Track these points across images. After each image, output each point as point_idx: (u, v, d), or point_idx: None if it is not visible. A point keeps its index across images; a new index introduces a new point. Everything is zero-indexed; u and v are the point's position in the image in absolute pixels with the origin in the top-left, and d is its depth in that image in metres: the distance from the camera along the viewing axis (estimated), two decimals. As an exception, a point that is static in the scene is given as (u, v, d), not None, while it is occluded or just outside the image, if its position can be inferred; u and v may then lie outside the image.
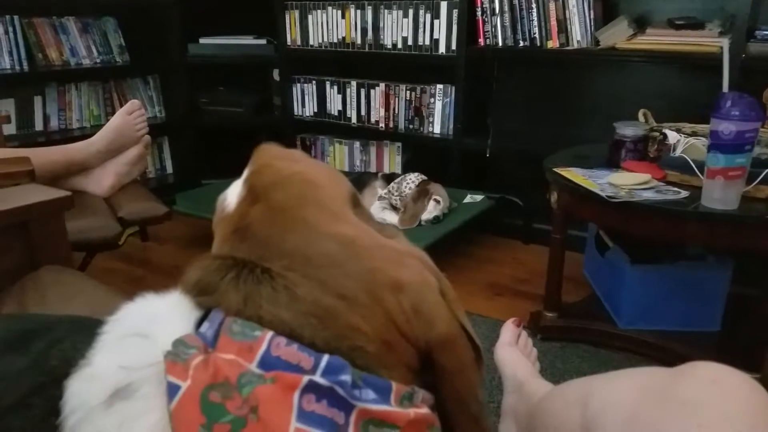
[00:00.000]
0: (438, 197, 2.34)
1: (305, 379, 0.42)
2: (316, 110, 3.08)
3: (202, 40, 3.00)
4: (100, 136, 1.75)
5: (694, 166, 1.51)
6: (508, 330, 1.24)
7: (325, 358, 0.44)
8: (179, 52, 2.94)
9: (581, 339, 1.80)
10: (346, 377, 0.43)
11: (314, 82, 3.05)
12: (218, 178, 3.00)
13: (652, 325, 1.73)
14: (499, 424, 1.02)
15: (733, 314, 1.74)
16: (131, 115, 1.80)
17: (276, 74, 3.18)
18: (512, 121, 2.65)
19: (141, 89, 3.06)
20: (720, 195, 1.41)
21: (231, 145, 3.10)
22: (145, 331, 0.48)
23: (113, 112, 2.84)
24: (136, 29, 2.97)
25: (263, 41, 3.07)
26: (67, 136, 2.68)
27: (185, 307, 0.51)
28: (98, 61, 2.86)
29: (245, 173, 0.61)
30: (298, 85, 3.10)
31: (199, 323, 0.49)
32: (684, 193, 1.50)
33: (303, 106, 3.12)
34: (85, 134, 2.44)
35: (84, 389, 0.45)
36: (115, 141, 1.76)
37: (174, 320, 0.49)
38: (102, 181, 1.75)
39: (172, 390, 0.42)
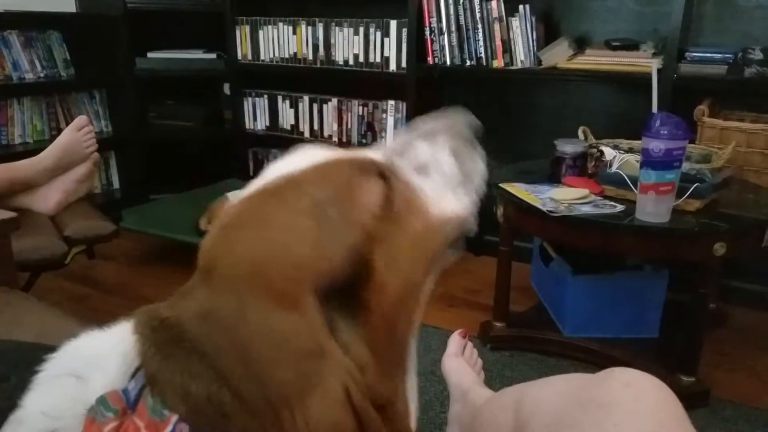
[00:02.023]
0: (390, 211, 2.41)
1: None
2: (268, 124, 3.11)
3: (150, 54, 2.99)
4: (48, 153, 1.73)
5: (628, 181, 1.62)
6: (454, 341, 1.30)
7: None
8: (127, 66, 2.93)
9: (529, 347, 1.88)
10: None
11: (266, 96, 3.08)
12: (167, 192, 2.99)
13: (595, 332, 1.83)
14: (445, 432, 1.07)
15: (670, 321, 1.86)
16: (80, 132, 1.79)
17: (227, 88, 3.20)
18: (462, 136, 2.74)
19: (87, 104, 3.03)
20: (652, 209, 1.52)
21: (180, 159, 3.11)
22: (81, 372, 0.49)
23: (58, 128, 2.81)
24: (82, 43, 2.94)
25: (213, 55, 3.08)
26: (9, 153, 2.63)
27: (125, 349, 0.50)
28: (42, 75, 2.82)
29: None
30: (250, 99, 3.12)
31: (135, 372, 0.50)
32: (620, 207, 1.61)
33: (255, 119, 3.14)
34: (28, 150, 2.41)
35: None
36: (64, 158, 1.75)
37: (110, 365, 0.50)
38: (48, 199, 1.73)
39: None
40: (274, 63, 2.96)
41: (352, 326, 0.46)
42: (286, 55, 2.92)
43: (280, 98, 3.04)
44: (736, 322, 2.10)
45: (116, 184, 3.18)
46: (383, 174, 0.51)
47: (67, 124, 1.86)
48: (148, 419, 0.45)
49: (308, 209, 0.46)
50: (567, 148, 1.83)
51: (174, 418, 0.45)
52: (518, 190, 1.76)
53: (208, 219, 2.48)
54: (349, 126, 2.87)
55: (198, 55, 3.07)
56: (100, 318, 0.55)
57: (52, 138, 1.78)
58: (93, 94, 3.05)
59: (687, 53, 2.09)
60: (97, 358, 0.51)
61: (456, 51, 2.48)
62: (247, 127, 3.17)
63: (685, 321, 1.71)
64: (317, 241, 0.45)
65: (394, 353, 0.50)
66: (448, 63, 2.51)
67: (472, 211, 0.57)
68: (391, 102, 2.72)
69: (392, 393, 0.48)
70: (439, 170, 0.55)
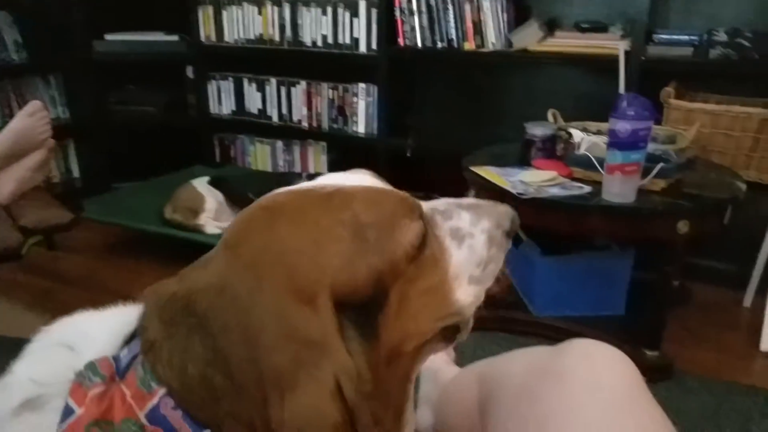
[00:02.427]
0: (362, 197, 2.43)
1: None
2: (234, 108, 3.09)
3: (108, 36, 2.94)
4: (0, 140, 1.70)
5: (596, 162, 1.68)
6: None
7: None
8: (84, 49, 2.88)
9: (499, 327, 1.95)
10: None
11: (231, 79, 3.06)
12: (130, 180, 2.96)
13: (563, 311, 1.91)
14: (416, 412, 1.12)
15: (636, 298, 1.94)
16: (33, 117, 1.75)
17: (190, 71, 3.17)
18: (434, 121, 2.79)
19: (41, 89, 2.97)
20: (618, 189, 1.58)
21: (143, 146, 3.08)
22: (73, 342, 0.51)
23: (10, 114, 2.74)
24: (34, 25, 2.87)
25: (175, 37, 3.04)
26: (-40, 140, 2.56)
27: (120, 322, 0.53)
28: (-8, 58, 2.75)
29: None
30: (214, 82, 3.10)
31: (129, 340, 0.52)
32: (587, 189, 1.67)
33: (220, 104, 3.12)
34: (-20, 138, 2.36)
35: None
36: (16, 145, 1.71)
37: (103, 335, 0.52)
38: (1, 188, 1.70)
39: (66, 412, 0.46)
40: (239, 45, 2.95)
41: (360, 341, 0.48)
42: (252, 36, 2.90)
43: (246, 81, 3.02)
44: (699, 299, 2.20)
45: (76, 173, 3.13)
46: (425, 222, 0.54)
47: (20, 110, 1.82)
48: (135, 389, 0.47)
49: (349, 223, 0.49)
50: (536, 131, 1.88)
51: (162, 391, 0.46)
52: (489, 173, 1.81)
53: (174, 207, 2.48)
54: (319, 110, 2.87)
55: (159, 37, 3.03)
56: (64, 312, 0.56)
57: (4, 125, 1.74)
58: (48, 78, 2.98)
59: (654, 35, 2.16)
60: (92, 330, 0.52)
61: (427, 33, 2.51)
62: (211, 111, 3.15)
63: (650, 298, 1.79)
64: (347, 253, 0.48)
65: (390, 387, 0.52)
66: (420, 45, 2.54)
67: (471, 304, 0.58)
68: (362, 85, 2.74)
69: (384, 419, 0.50)
70: (470, 246, 0.57)
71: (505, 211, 0.60)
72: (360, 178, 0.56)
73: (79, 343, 0.51)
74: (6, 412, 0.47)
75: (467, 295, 0.57)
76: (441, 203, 0.60)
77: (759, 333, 1.92)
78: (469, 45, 2.44)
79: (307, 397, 0.44)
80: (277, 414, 0.44)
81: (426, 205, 0.58)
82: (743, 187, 1.71)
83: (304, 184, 0.54)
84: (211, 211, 2.44)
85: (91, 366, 0.48)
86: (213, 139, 3.20)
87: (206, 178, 2.57)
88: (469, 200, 0.61)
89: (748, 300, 2.18)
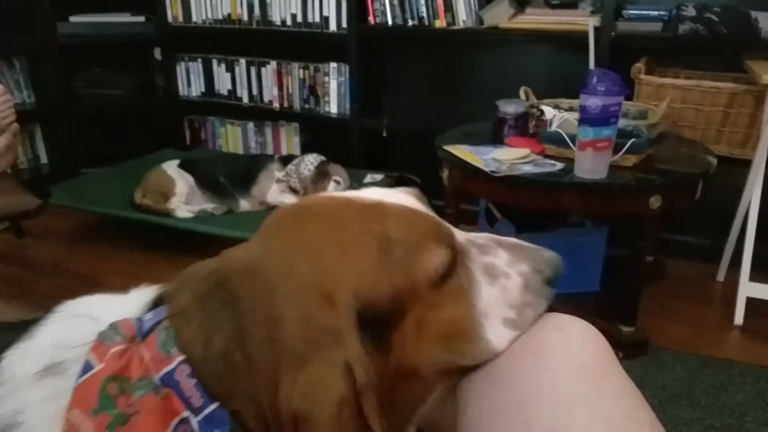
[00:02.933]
0: (338, 178, 2.43)
1: (185, 413, 0.47)
2: (203, 90, 3.05)
3: (72, 18, 2.87)
4: (-40, 126, 1.66)
5: (567, 139, 1.69)
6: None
7: (212, 407, 0.47)
8: (48, 32, 2.81)
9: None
10: None
11: (200, 60, 3.01)
12: (99, 166, 2.92)
13: (539, 289, 1.92)
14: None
15: (611, 274, 1.97)
16: (-5, 102, 1.72)
17: (158, 53, 3.11)
18: (407, 100, 2.77)
19: (5, 73, 2.89)
20: (590, 165, 1.59)
21: (112, 130, 3.03)
22: (96, 314, 0.53)
23: (-28, 98, 2.67)
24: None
25: (142, 18, 2.99)
26: None
27: (144, 297, 0.55)
28: (-50, 41, 2.68)
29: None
30: (183, 63, 3.05)
31: (152, 306, 0.54)
32: (559, 166, 1.68)
33: (189, 86, 3.08)
34: (-60, 124, 2.29)
35: (17, 362, 0.50)
36: (-22, 131, 1.68)
37: (127, 308, 0.54)
38: (-34, 175, 1.67)
39: (86, 368, 0.48)
40: (208, 25, 2.90)
41: (370, 349, 0.49)
42: (220, 16, 2.85)
43: (215, 62, 2.98)
44: (673, 274, 2.24)
45: (43, 159, 3.07)
46: (455, 251, 0.53)
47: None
48: (154, 351, 0.49)
49: (378, 235, 0.50)
50: (509, 108, 1.88)
51: (179, 358, 0.48)
52: (462, 152, 1.81)
53: (143, 192, 2.45)
54: (290, 90, 2.85)
55: (125, 18, 2.97)
56: (33, 299, 0.57)
57: (-33, 110, 1.70)
58: (12, 62, 2.91)
59: (624, 11, 2.17)
60: (116, 304, 0.55)
61: (397, 10, 2.48)
62: (181, 93, 3.10)
63: (624, 274, 1.82)
64: (370, 263, 0.49)
65: (397, 404, 0.53)
66: (390, 22, 2.52)
67: (502, 346, 0.54)
68: (334, 64, 2.71)
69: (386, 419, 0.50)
70: (503, 287, 0.54)
71: (548, 257, 0.57)
72: (402, 197, 0.56)
73: (102, 313, 0.53)
74: (29, 375, 0.48)
75: (501, 338, 0.54)
76: (481, 237, 0.57)
77: (732, 306, 1.96)
78: (440, 22, 2.43)
79: (317, 374, 0.46)
80: (285, 390, 0.45)
81: (463, 236, 0.56)
82: (714, 161, 1.73)
83: (348, 193, 0.55)
84: (182, 194, 2.42)
85: (113, 326, 0.51)
86: (183, 122, 3.16)
87: (176, 162, 2.54)
88: (513, 240, 0.57)
89: (721, 274, 2.23)
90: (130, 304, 0.55)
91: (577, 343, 0.63)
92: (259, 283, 0.48)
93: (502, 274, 0.54)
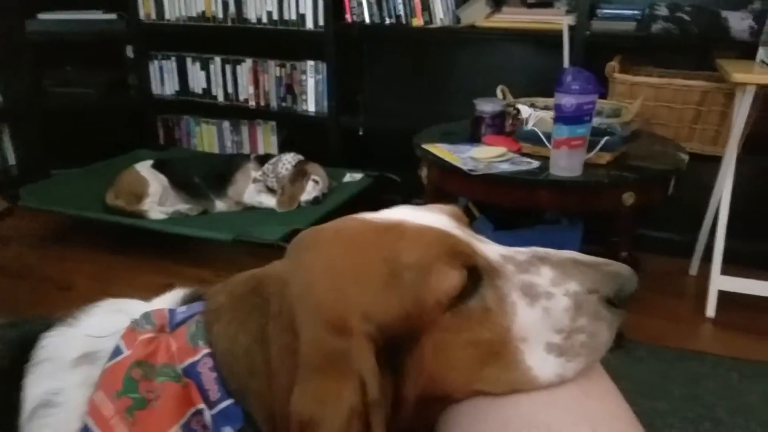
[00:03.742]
0: (317, 177, 2.45)
1: (201, 405, 0.49)
2: (177, 89, 3.05)
3: (41, 15, 2.85)
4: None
5: (543, 137, 1.74)
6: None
7: (227, 402, 0.50)
8: (16, 29, 2.78)
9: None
10: (228, 430, 0.49)
11: (173, 58, 3.01)
12: (69, 166, 2.89)
13: (517, 286, 1.97)
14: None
15: (586, 271, 2.02)
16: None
17: (130, 51, 3.10)
18: (385, 98, 2.81)
19: (-30, 71, 2.86)
20: (565, 163, 1.64)
21: (82, 130, 3.01)
22: (133, 312, 0.56)
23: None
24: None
25: (113, 15, 2.97)
26: None
27: (178, 297, 0.59)
28: None
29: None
30: (156, 62, 3.04)
31: (186, 302, 0.57)
32: (536, 164, 1.73)
33: (162, 84, 3.07)
34: None
35: (59, 344, 0.53)
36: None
37: (160, 304, 0.58)
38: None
39: (115, 352, 0.51)
40: (181, 22, 2.90)
41: (389, 373, 0.50)
42: (194, 14, 2.85)
43: (189, 60, 2.98)
44: (647, 269, 2.30)
45: (11, 160, 3.03)
46: (477, 271, 0.51)
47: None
48: (183, 342, 0.52)
49: (391, 260, 0.50)
50: (486, 107, 1.93)
51: (205, 351, 0.51)
52: (441, 150, 1.85)
53: (116, 193, 2.44)
54: (266, 88, 2.86)
55: (96, 15, 2.95)
56: (3, 303, 0.58)
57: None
58: (-23, 60, 2.87)
59: (598, 10, 2.23)
60: (150, 303, 0.58)
61: (374, 8, 2.52)
62: (154, 92, 3.09)
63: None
64: (380, 289, 0.49)
65: (420, 425, 0.53)
66: (367, 21, 2.55)
67: (552, 377, 0.50)
68: (311, 62, 2.73)
69: None
70: (546, 309, 0.50)
71: (610, 273, 0.51)
72: (431, 217, 0.55)
73: (135, 310, 0.56)
74: (67, 360, 0.52)
75: (544, 365, 0.49)
76: (524, 252, 0.53)
77: (705, 300, 2.04)
78: (417, 21, 2.46)
79: (331, 384, 0.47)
80: (297, 396, 0.47)
81: (498, 252, 0.53)
82: (686, 158, 1.80)
83: (376, 214, 0.55)
84: (156, 195, 2.42)
85: (146, 315, 0.54)
86: (156, 121, 3.15)
87: (150, 162, 2.54)
88: (566, 254, 0.52)
89: (693, 268, 2.30)
90: (167, 301, 0.59)
91: None
92: (286, 295, 0.50)
93: (544, 294, 0.50)
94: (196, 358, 0.50)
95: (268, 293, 0.52)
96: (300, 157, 2.52)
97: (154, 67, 3.06)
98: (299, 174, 2.44)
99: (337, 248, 0.53)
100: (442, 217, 0.56)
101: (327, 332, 0.48)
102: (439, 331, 0.49)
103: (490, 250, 0.53)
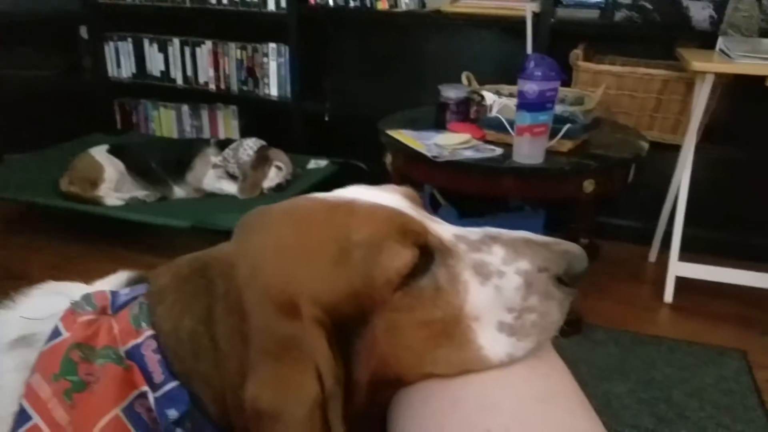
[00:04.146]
0: (279, 163, 2.41)
1: (144, 388, 0.48)
2: (134, 71, 2.97)
3: (-13, -8, 2.74)
4: None
5: (507, 124, 1.75)
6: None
7: (171, 385, 0.48)
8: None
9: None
10: (173, 413, 0.47)
11: (130, 39, 2.93)
12: (21, 151, 2.81)
13: (480, 272, 1.99)
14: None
15: (549, 258, 2.06)
16: None
17: (84, 31, 3.01)
18: (350, 83, 2.78)
19: None
20: (528, 151, 1.65)
21: (36, 113, 2.91)
22: (70, 292, 0.54)
23: None
24: None
25: (66, -6, 2.87)
26: None
27: (120, 279, 0.58)
28: None
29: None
30: (112, 43, 2.96)
31: (130, 285, 0.56)
32: (499, 151, 1.74)
33: (119, 66, 2.99)
34: None
35: None
36: None
37: (101, 286, 0.56)
38: None
39: (53, 334, 0.49)
40: (138, 2, 2.82)
41: (343, 358, 0.49)
42: (152, -6, 2.78)
43: (146, 42, 2.90)
44: (607, 256, 2.35)
45: (-41, 145, 2.93)
46: (429, 250, 0.50)
47: None
48: (126, 323, 0.50)
49: (340, 239, 0.49)
50: (451, 93, 1.93)
51: (148, 332, 0.50)
52: (405, 137, 1.84)
53: (70, 179, 2.38)
54: (227, 71, 2.81)
55: (47, -7, 2.85)
56: None
57: None
58: None
59: (563, -3, 2.24)
60: (91, 286, 0.56)
61: (338, -10, 2.49)
62: (110, 75, 3.02)
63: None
64: (329, 269, 0.48)
65: (370, 414, 0.52)
66: (331, 3, 2.51)
67: (503, 357, 0.49)
68: (273, 45, 2.69)
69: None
70: (497, 287, 0.49)
71: (561, 251, 0.50)
72: (384, 196, 0.54)
73: (76, 292, 0.54)
74: (4, 343, 0.51)
75: (496, 344, 0.49)
76: (476, 232, 0.52)
77: (663, 285, 2.09)
78: (382, 4, 2.44)
79: (289, 373, 0.46)
80: (253, 384, 0.46)
81: (451, 232, 0.52)
82: (646, 146, 1.83)
83: (328, 194, 0.54)
84: (112, 181, 2.36)
85: (87, 296, 0.52)
86: (113, 105, 3.07)
87: (105, 147, 2.47)
88: (517, 234, 0.52)
89: (652, 255, 2.36)
90: (110, 284, 0.57)
91: None
92: (234, 276, 0.49)
93: (495, 272, 0.49)
94: (139, 340, 0.49)
95: (214, 275, 0.51)
96: (262, 142, 2.49)
97: (109, 49, 2.98)
98: (261, 160, 2.40)
99: (285, 228, 0.51)
100: (395, 197, 0.55)
101: (277, 316, 0.47)
102: (390, 310, 0.49)
103: (442, 229, 0.52)
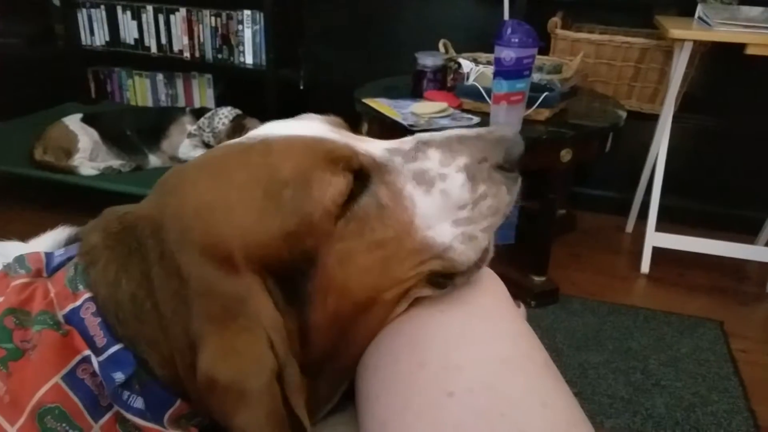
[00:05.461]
0: (255, 133, 2.37)
1: (86, 352, 0.45)
2: (108, 39, 2.89)
3: (-48, -46, 2.63)
4: None
5: (484, 93, 1.72)
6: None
7: (115, 348, 0.46)
8: None
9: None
10: (119, 375, 0.45)
11: (103, 6, 2.84)
12: (-7, 121, 2.74)
13: (457, 244, 1.98)
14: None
15: (525, 227, 2.05)
16: None
17: (55, -3, 2.91)
18: (325, 50, 2.73)
19: None
20: (504, 119, 1.63)
21: (7, 82, 2.83)
22: (9, 252, 0.51)
23: None
24: None
25: (35, -43, 2.77)
26: None
27: (59, 236, 0.55)
28: None
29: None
30: (84, 10, 2.87)
31: (70, 243, 0.53)
32: (476, 120, 1.71)
33: (92, 34, 2.91)
34: None
35: None
36: None
37: (42, 244, 0.53)
38: None
39: None
40: (110, -33, 2.73)
41: (288, 307, 0.47)
42: (123, -42, 2.69)
43: (119, 8, 2.82)
44: (584, 226, 2.35)
45: (-72, 114, 2.84)
46: (364, 171, 0.48)
47: None
48: (62, 286, 0.47)
49: (264, 180, 0.46)
50: (427, 61, 1.89)
51: (87, 295, 0.47)
52: (381, 105, 1.81)
53: (44, 148, 2.33)
54: (201, 39, 2.74)
55: (14, -44, 2.75)
56: None
57: None
58: None
59: (542, -37, 2.19)
60: (34, 245, 0.53)
61: (314, -44, 2.42)
62: (83, 42, 2.93)
63: (535, 227, 1.89)
64: (258, 214, 0.45)
65: (336, 361, 0.51)
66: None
67: (469, 249, 0.50)
68: (247, 12, 2.62)
69: (320, 385, 0.49)
70: (444, 191, 0.49)
71: (495, 139, 0.50)
72: (303, 125, 0.51)
73: (11, 250, 0.51)
74: None
75: (445, 233, 0.49)
76: (408, 141, 0.51)
77: (640, 256, 2.09)
78: (360, -30, 2.39)
79: (241, 341, 0.44)
80: (207, 362, 0.43)
81: (382, 147, 0.51)
82: (623, 115, 1.81)
83: (241, 138, 0.51)
84: (86, 150, 2.31)
85: (19, 258, 0.49)
86: (86, 73, 2.99)
87: (79, 116, 2.42)
88: (451, 133, 0.51)
89: (630, 225, 2.36)
90: (47, 242, 0.54)
91: (473, 287, 0.64)
92: (165, 240, 0.46)
93: (437, 177, 0.49)
94: (77, 303, 0.46)
95: (144, 235, 0.47)
96: (237, 111, 2.44)
97: (82, 16, 2.88)
98: (237, 129, 2.36)
99: (203, 183, 0.48)
100: (313, 123, 0.53)
101: (215, 277, 0.45)
102: (337, 241, 0.47)
103: (372, 146, 0.51)
